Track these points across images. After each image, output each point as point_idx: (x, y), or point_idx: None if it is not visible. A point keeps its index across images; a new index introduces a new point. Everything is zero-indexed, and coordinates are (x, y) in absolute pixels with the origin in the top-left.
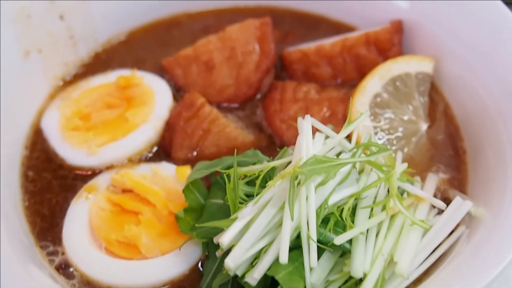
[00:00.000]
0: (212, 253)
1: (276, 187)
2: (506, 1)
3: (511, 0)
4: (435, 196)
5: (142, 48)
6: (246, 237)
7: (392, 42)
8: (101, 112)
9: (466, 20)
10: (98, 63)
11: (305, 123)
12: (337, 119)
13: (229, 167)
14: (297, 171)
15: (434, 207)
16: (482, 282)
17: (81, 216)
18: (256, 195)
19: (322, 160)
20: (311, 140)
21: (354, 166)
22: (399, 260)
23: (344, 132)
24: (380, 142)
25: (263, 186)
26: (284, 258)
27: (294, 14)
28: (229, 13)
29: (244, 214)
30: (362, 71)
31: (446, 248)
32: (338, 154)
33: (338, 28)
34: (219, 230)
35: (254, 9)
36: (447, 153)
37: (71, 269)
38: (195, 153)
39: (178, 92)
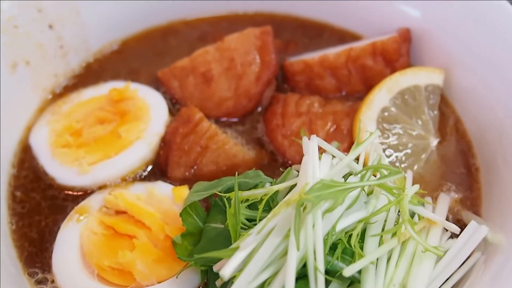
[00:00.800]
0: (211, 281)
1: (281, 214)
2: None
3: None
4: (447, 217)
5: (136, 58)
6: (249, 268)
7: (399, 52)
8: (93, 127)
9: (478, 31)
10: (90, 74)
11: (311, 144)
12: (343, 134)
13: (229, 189)
14: (303, 198)
15: (447, 230)
16: None
17: (72, 240)
18: (259, 220)
19: (329, 185)
20: (317, 162)
21: (363, 189)
22: None
23: (353, 154)
24: (388, 159)
25: (266, 210)
26: None
27: (296, 21)
28: (228, 21)
29: (247, 243)
30: (368, 83)
31: (461, 276)
32: (346, 176)
33: (342, 36)
34: (220, 258)
35: (254, 16)
36: (459, 170)
37: None
38: (192, 171)
39: (174, 105)
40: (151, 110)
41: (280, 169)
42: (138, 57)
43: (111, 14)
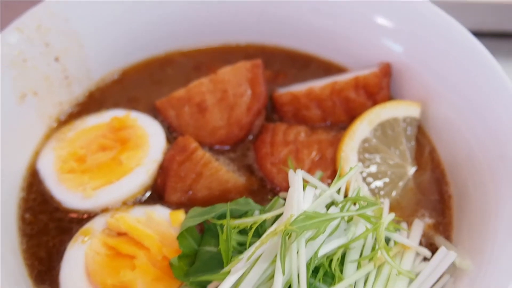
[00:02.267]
0: None
1: (268, 243)
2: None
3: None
4: (420, 242)
5: (135, 86)
6: None
7: (380, 86)
8: (96, 154)
9: (454, 66)
10: (92, 102)
11: (296, 178)
12: (327, 162)
13: (221, 216)
14: (288, 228)
15: (419, 254)
16: None
17: (77, 260)
18: (249, 246)
19: (312, 216)
20: (301, 194)
21: (343, 219)
22: None
23: (334, 187)
24: (369, 186)
25: (255, 235)
26: None
27: (285, 53)
28: (221, 52)
29: (237, 268)
30: (351, 113)
31: None
32: (328, 206)
33: (328, 68)
34: (212, 281)
35: (245, 47)
36: (433, 197)
37: None
38: (188, 196)
39: (171, 133)
40: (150, 138)
41: (269, 197)
42: (137, 86)
43: (111, 46)
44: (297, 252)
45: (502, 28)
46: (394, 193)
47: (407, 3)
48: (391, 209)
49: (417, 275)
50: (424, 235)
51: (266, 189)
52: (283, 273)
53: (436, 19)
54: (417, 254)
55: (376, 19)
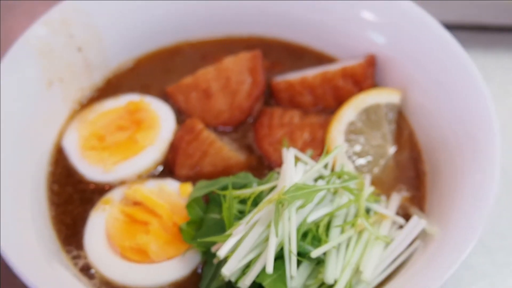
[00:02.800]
0: (209, 260)
1: (264, 210)
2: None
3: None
4: (397, 212)
5: (148, 74)
6: (239, 251)
7: (366, 75)
8: (114, 134)
9: (430, 57)
10: (110, 88)
11: (289, 155)
12: (317, 142)
13: (224, 188)
14: (281, 197)
15: (395, 222)
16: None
17: (99, 226)
18: (248, 213)
19: (302, 187)
20: (293, 169)
21: (329, 191)
22: (364, 269)
23: (321, 163)
24: (354, 164)
25: (253, 205)
26: (269, 268)
27: (282, 44)
28: (224, 43)
29: (238, 231)
30: (340, 99)
31: (404, 258)
32: (317, 179)
33: (320, 58)
34: (216, 241)
35: (246, 39)
36: (409, 174)
37: (92, 271)
38: (195, 171)
39: (180, 116)
40: (161, 120)
41: (266, 171)
42: (150, 73)
43: (127, 38)
44: (289, 218)
45: (481, 22)
46: (375, 170)
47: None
48: (373, 184)
49: (392, 240)
50: (401, 207)
51: (264, 166)
52: (277, 236)
53: (415, 15)
54: (394, 222)
55: (362, 13)
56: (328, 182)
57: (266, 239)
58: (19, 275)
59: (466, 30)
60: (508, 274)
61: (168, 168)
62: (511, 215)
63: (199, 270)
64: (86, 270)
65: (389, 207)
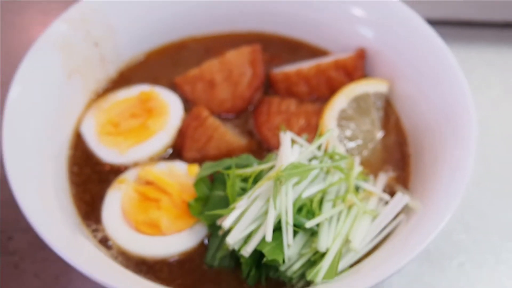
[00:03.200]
0: (215, 232)
1: (264, 186)
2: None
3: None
4: (384, 190)
5: (157, 67)
6: (242, 222)
7: (356, 67)
8: (128, 121)
9: (414, 50)
10: (123, 79)
11: (286, 137)
12: (312, 128)
13: (228, 168)
14: (279, 175)
15: (382, 199)
16: (411, 255)
17: (115, 202)
18: (249, 189)
19: (298, 166)
20: (290, 150)
21: (322, 169)
22: (353, 240)
23: (315, 144)
24: (345, 147)
25: (254, 182)
26: (269, 237)
27: (279, 39)
28: (226, 38)
29: (240, 205)
30: (332, 89)
31: (389, 230)
32: (311, 160)
33: (314, 52)
34: (221, 215)
35: (247, 34)
36: (395, 156)
37: (110, 243)
38: (201, 154)
39: (187, 104)
40: (170, 108)
41: (265, 153)
42: (159, 66)
43: (138, 34)
44: (286, 193)
45: (464, 18)
46: (365, 152)
47: None
48: (362, 165)
49: (379, 214)
50: (387, 185)
51: (263, 149)
52: (275, 209)
53: (401, 12)
54: (380, 199)
55: (353, 10)
56: (321, 162)
57: (266, 212)
58: (50, 245)
59: (450, 26)
60: (485, 249)
61: (177, 151)
62: (490, 197)
63: (206, 241)
64: (104, 241)
65: (376, 185)
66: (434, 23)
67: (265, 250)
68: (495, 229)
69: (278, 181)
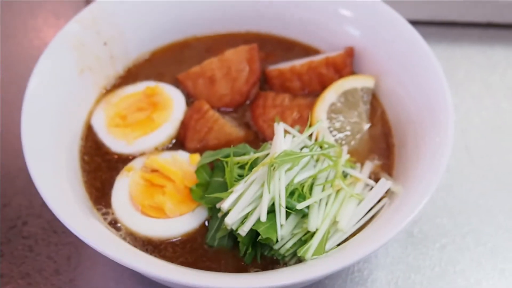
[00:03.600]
0: (215, 214)
1: (259, 171)
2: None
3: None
4: (370, 177)
5: (162, 64)
6: (239, 204)
7: (345, 64)
8: (135, 114)
9: (398, 48)
10: (130, 76)
11: (279, 128)
12: (304, 121)
13: (226, 156)
14: (273, 161)
15: (368, 184)
16: (392, 233)
17: (123, 188)
18: (246, 176)
19: (290, 153)
20: (283, 140)
21: (312, 157)
22: (340, 220)
23: (305, 134)
24: (334, 138)
25: (250, 169)
26: (263, 218)
27: (275, 38)
28: (226, 37)
29: (238, 189)
30: (323, 85)
31: (374, 213)
32: (302, 148)
33: (307, 51)
34: (220, 199)
35: (245, 34)
36: (381, 146)
37: (119, 225)
38: (202, 144)
39: (189, 99)
40: (174, 102)
41: (260, 143)
42: (163, 63)
43: (144, 34)
44: (279, 178)
45: (449, 19)
46: (352, 143)
47: None
48: (350, 154)
49: (364, 198)
50: (373, 173)
51: (259, 139)
52: (269, 192)
53: (385, 13)
54: (366, 184)
55: (341, 11)
56: (311, 150)
57: (261, 196)
58: (67, 226)
59: (437, 26)
60: (465, 232)
61: (180, 141)
62: (471, 184)
63: (206, 223)
64: (113, 224)
65: (362, 172)
66: (421, 23)
67: (260, 230)
68: (475, 214)
69: (272, 167)
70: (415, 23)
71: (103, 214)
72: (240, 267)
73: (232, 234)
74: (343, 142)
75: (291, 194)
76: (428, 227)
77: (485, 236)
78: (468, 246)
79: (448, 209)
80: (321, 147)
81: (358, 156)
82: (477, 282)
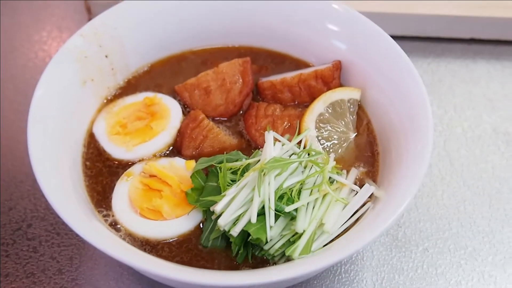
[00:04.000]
0: (209, 217)
1: (250, 176)
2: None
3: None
4: (355, 183)
5: (160, 76)
6: (231, 207)
7: (333, 76)
8: (134, 122)
9: (383, 62)
10: (130, 87)
11: (269, 136)
12: (294, 130)
13: (220, 162)
14: (263, 166)
15: (353, 190)
16: (375, 234)
17: (123, 192)
18: (238, 181)
19: (279, 160)
20: (272, 147)
21: (300, 163)
22: (326, 222)
23: (294, 141)
24: (322, 146)
25: (242, 174)
26: (253, 219)
27: (267, 52)
28: (221, 51)
29: (230, 192)
30: (312, 96)
31: (358, 216)
32: (291, 155)
33: (297, 64)
34: (214, 202)
35: (238, 48)
36: (366, 154)
37: (119, 226)
38: (197, 152)
39: (186, 109)
40: (171, 112)
41: (252, 150)
42: (161, 75)
43: (144, 47)
44: (269, 183)
45: (435, 34)
46: (339, 151)
47: (349, 14)
48: (337, 161)
49: (349, 202)
50: (358, 179)
51: (251, 147)
52: (259, 196)
53: (369, 28)
54: (351, 190)
55: (328, 25)
56: (299, 157)
57: (252, 199)
58: (71, 227)
59: (422, 41)
60: (447, 237)
61: (177, 149)
62: (452, 191)
63: (201, 225)
64: (114, 225)
65: (348, 178)
66: (409, 38)
67: (250, 230)
68: (455, 219)
69: (262, 172)
70: (403, 38)
71: (104, 216)
72: (232, 266)
73: (225, 235)
74: (331, 150)
75: (280, 198)
76: (412, 231)
77: (465, 240)
78: (449, 249)
79: (430, 214)
80: (309, 154)
81: (344, 164)
82: (457, 283)
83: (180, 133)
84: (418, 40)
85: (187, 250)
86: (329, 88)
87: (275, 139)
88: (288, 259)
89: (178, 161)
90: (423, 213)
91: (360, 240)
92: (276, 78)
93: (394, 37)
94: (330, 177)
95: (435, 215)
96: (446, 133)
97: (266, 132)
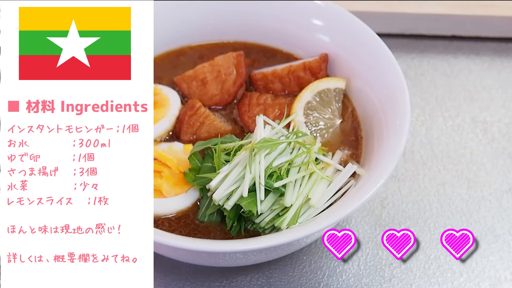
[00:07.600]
0: (205, 194)
1: (242, 155)
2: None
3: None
4: (340, 164)
5: (160, 69)
6: (225, 183)
7: (320, 68)
8: None
9: (366, 54)
10: None
11: (260, 119)
12: (283, 117)
13: (215, 144)
14: (254, 146)
15: (338, 170)
16: (355, 206)
17: None
18: (231, 160)
19: (268, 140)
20: (262, 129)
21: (288, 144)
22: (312, 197)
23: (282, 124)
24: (309, 131)
25: (235, 154)
26: (245, 194)
27: (259, 47)
28: (216, 46)
29: (224, 170)
30: (301, 86)
31: (342, 193)
32: (280, 137)
33: (287, 57)
34: (210, 181)
35: (233, 43)
36: (351, 138)
37: None
38: (194, 137)
39: (184, 98)
40: (171, 101)
41: (245, 135)
42: (162, 68)
43: None
44: (259, 161)
45: (418, 32)
46: (326, 135)
47: (332, 9)
48: (324, 145)
49: (333, 180)
50: (343, 161)
51: (244, 133)
52: (251, 173)
53: (351, 21)
54: (336, 169)
55: (313, 21)
56: (287, 138)
57: (243, 176)
58: None
59: (406, 38)
60: (428, 217)
61: (176, 134)
62: (433, 175)
63: (198, 203)
64: None
65: (333, 159)
66: (394, 35)
67: (242, 204)
68: (436, 201)
69: (253, 152)
70: (388, 35)
71: None
72: (227, 239)
73: (220, 211)
74: (318, 135)
75: (270, 176)
76: (395, 211)
77: (444, 219)
78: (429, 228)
79: (412, 196)
80: (296, 135)
81: (330, 147)
82: (436, 258)
83: (179, 120)
84: (403, 37)
85: (185, 225)
86: (316, 79)
87: (265, 123)
88: (278, 231)
89: (177, 145)
90: (405, 195)
91: (342, 211)
92: (267, 70)
93: (380, 35)
94: (316, 158)
95: (416, 197)
96: (428, 123)
97: (257, 116)
